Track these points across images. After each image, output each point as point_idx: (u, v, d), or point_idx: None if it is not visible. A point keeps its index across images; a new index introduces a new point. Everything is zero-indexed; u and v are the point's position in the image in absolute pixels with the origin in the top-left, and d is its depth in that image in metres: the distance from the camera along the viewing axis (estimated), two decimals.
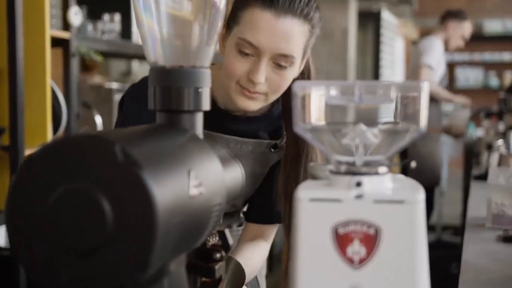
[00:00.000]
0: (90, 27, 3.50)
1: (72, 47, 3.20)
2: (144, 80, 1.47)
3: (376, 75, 7.41)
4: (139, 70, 4.94)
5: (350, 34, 5.94)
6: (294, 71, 1.37)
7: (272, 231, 1.57)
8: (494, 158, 2.75)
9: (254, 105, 1.37)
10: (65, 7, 3.17)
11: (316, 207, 0.66)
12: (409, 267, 0.66)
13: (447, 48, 5.02)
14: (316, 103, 0.70)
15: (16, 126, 2.63)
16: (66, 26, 3.19)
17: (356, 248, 0.66)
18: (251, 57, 1.32)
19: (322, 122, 0.71)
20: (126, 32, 3.77)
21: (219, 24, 0.82)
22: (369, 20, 7.31)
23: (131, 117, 1.43)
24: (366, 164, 0.69)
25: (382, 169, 0.69)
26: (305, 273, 0.67)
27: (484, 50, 9.49)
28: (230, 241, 0.86)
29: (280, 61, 1.32)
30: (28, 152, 2.73)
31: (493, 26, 9.42)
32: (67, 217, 0.60)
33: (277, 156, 1.50)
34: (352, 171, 0.68)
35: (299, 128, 0.71)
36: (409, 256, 0.66)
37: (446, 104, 4.92)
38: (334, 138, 0.71)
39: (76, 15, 3.19)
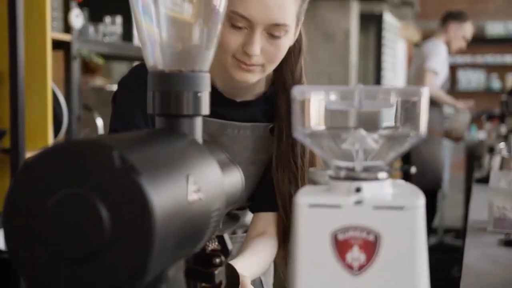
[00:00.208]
0: (91, 29, 3.51)
1: (73, 49, 3.20)
2: (134, 70, 1.46)
3: (378, 77, 7.40)
4: None
5: (352, 36, 5.94)
6: (289, 39, 1.35)
7: (280, 220, 1.51)
8: (496, 161, 2.75)
9: (252, 78, 1.35)
10: (66, 9, 3.17)
11: (315, 213, 0.66)
12: (409, 273, 0.65)
13: (449, 51, 5.01)
14: (315, 108, 0.70)
15: (17, 128, 2.63)
16: (67, 28, 3.19)
17: (355, 255, 0.65)
18: (244, 29, 1.30)
19: (321, 127, 0.71)
20: (127, 34, 3.77)
21: (219, 27, 0.82)
22: (371, 23, 7.30)
23: (123, 107, 1.41)
24: (366, 169, 0.69)
25: (382, 175, 0.68)
26: (304, 280, 0.66)
27: (486, 52, 9.47)
28: (230, 246, 0.86)
29: (273, 31, 1.30)
30: (29, 154, 2.73)
31: (495, 28, 9.41)
32: (65, 223, 0.59)
33: None
34: (351, 176, 0.68)
35: (298, 133, 0.70)
36: (409, 262, 0.65)
37: (448, 107, 4.90)
38: (333, 143, 0.70)
39: (77, 18, 3.19)
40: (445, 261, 4.46)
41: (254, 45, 1.29)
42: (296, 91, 0.70)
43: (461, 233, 5.09)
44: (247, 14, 1.28)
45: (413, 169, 0.61)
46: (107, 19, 3.67)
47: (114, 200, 0.58)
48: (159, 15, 0.78)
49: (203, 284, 0.90)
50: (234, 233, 1.61)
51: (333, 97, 0.70)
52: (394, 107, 0.70)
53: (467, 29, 4.97)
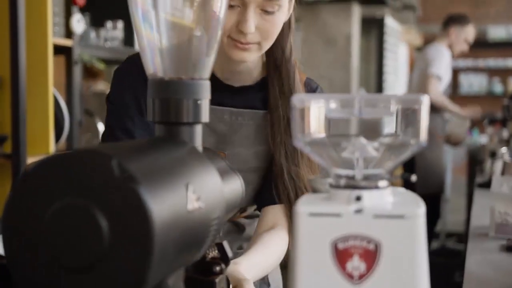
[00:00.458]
0: (93, 34, 3.51)
1: (74, 54, 3.21)
2: (128, 58, 1.46)
3: (379, 81, 7.40)
4: None
5: (354, 40, 5.94)
6: (283, 14, 1.34)
7: (289, 213, 1.46)
8: (498, 166, 2.74)
9: (248, 56, 1.34)
10: (67, 14, 3.18)
11: (315, 222, 0.66)
12: (409, 282, 0.65)
13: (452, 55, 5.00)
14: (315, 116, 0.70)
15: (18, 134, 2.64)
16: (68, 33, 3.20)
17: (355, 264, 0.65)
18: (237, 8, 1.29)
19: (321, 135, 0.71)
20: (128, 39, 3.77)
21: (219, 33, 0.82)
22: (373, 27, 7.31)
23: (116, 97, 1.41)
24: (366, 177, 0.68)
25: (382, 183, 0.68)
26: None
27: (488, 56, 9.47)
28: (230, 253, 0.86)
29: (266, 7, 1.29)
30: (30, 160, 2.73)
31: (497, 32, 9.41)
32: (64, 232, 0.59)
33: None
34: (351, 185, 0.68)
35: (298, 141, 0.70)
36: (410, 272, 0.65)
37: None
38: (333, 152, 0.70)
39: (78, 23, 3.19)
40: (447, 265, 4.45)
41: (248, 23, 1.28)
42: (296, 100, 0.70)
43: (463, 237, 5.08)
44: None
45: (413, 177, 0.60)
46: (109, 24, 3.68)
47: (113, 209, 0.58)
48: (159, 22, 0.78)
49: None
50: (240, 248, 1.56)
51: (333, 105, 0.69)
52: (395, 115, 0.70)
53: (468, 32, 4.96)
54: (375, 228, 0.65)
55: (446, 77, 4.92)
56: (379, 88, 7.34)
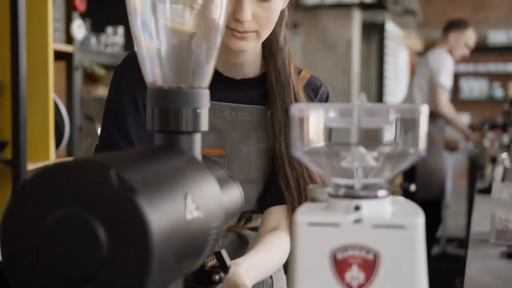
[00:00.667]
0: (93, 40, 3.51)
1: (75, 60, 3.21)
2: (127, 56, 1.45)
3: (380, 86, 7.40)
4: None
5: (354, 45, 5.94)
6: (279, 2, 1.33)
7: (291, 210, 1.42)
8: (498, 171, 2.74)
9: (246, 45, 1.33)
10: (68, 20, 3.18)
11: (314, 232, 0.66)
12: None
13: (454, 60, 4.99)
14: (314, 126, 0.70)
15: (19, 139, 2.63)
16: (69, 39, 3.20)
17: (354, 274, 0.65)
18: None
19: (320, 145, 0.71)
20: (129, 44, 3.78)
21: (219, 40, 0.81)
22: (373, 32, 7.31)
23: (113, 96, 1.40)
24: (365, 187, 0.68)
25: (382, 193, 0.68)
26: None
27: (489, 61, 9.47)
28: (228, 262, 0.85)
29: None
30: (30, 165, 2.73)
31: (498, 37, 9.41)
32: (62, 243, 0.59)
33: None
34: (350, 194, 0.68)
35: (297, 150, 0.70)
36: (409, 281, 0.65)
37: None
38: (332, 161, 0.70)
39: (79, 28, 3.20)
40: (448, 270, 4.44)
41: (244, 10, 1.27)
42: (295, 109, 0.70)
43: (464, 242, 5.07)
44: None
45: (412, 187, 0.60)
46: (109, 29, 3.68)
47: (111, 220, 0.58)
48: (158, 31, 0.78)
49: None
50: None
51: (332, 114, 0.69)
52: (394, 124, 0.70)
53: (468, 37, 4.95)
54: (374, 238, 0.65)
55: (450, 84, 4.92)
56: (380, 93, 7.34)
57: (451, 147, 5.15)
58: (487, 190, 2.64)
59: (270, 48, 1.43)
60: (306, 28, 5.78)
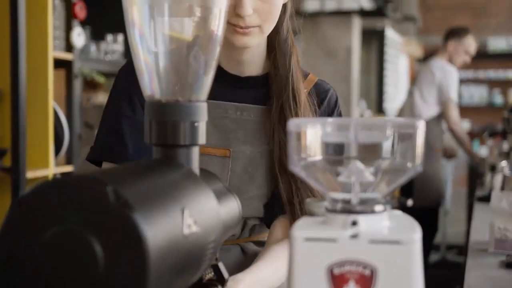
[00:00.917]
0: (93, 48, 3.52)
1: (75, 68, 3.21)
2: (127, 63, 1.44)
3: (380, 93, 7.41)
4: None
5: (354, 52, 5.95)
6: None
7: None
8: (498, 179, 2.74)
9: (250, 41, 1.31)
10: (68, 28, 3.19)
11: (311, 247, 0.66)
12: None
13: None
14: (311, 141, 0.70)
15: (18, 147, 2.64)
16: (69, 47, 3.20)
17: None
18: None
19: (318, 159, 0.71)
20: (129, 52, 3.77)
21: (218, 51, 0.81)
22: (373, 38, 7.33)
23: (122, 93, 1.37)
24: (362, 202, 0.68)
25: (379, 207, 0.68)
26: None
27: (489, 67, 9.49)
28: (226, 275, 0.85)
29: None
30: (29, 173, 2.73)
31: (498, 43, 9.44)
32: (59, 259, 0.59)
33: None
34: (348, 209, 0.68)
35: (294, 165, 0.70)
36: None
37: (445, 123, 4.86)
38: (330, 176, 0.70)
39: (79, 36, 3.20)
40: (448, 277, 4.44)
41: (244, 5, 1.25)
42: (292, 125, 0.70)
43: (463, 249, 5.07)
44: None
45: (409, 202, 0.60)
46: (109, 37, 3.68)
47: (108, 236, 0.58)
48: (156, 44, 0.78)
49: None
50: None
51: (329, 129, 0.69)
52: (391, 139, 0.70)
53: (467, 44, 4.94)
54: (371, 254, 0.65)
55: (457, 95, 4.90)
56: (380, 100, 7.35)
57: (450, 154, 5.14)
58: (486, 198, 2.64)
59: (271, 41, 1.41)
60: (306, 35, 5.79)
